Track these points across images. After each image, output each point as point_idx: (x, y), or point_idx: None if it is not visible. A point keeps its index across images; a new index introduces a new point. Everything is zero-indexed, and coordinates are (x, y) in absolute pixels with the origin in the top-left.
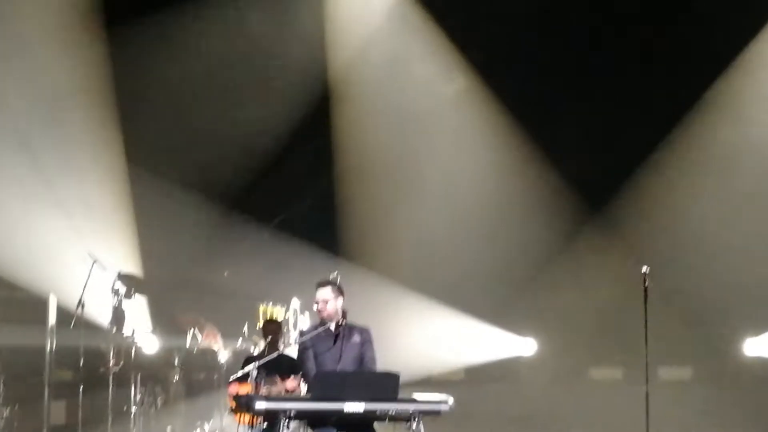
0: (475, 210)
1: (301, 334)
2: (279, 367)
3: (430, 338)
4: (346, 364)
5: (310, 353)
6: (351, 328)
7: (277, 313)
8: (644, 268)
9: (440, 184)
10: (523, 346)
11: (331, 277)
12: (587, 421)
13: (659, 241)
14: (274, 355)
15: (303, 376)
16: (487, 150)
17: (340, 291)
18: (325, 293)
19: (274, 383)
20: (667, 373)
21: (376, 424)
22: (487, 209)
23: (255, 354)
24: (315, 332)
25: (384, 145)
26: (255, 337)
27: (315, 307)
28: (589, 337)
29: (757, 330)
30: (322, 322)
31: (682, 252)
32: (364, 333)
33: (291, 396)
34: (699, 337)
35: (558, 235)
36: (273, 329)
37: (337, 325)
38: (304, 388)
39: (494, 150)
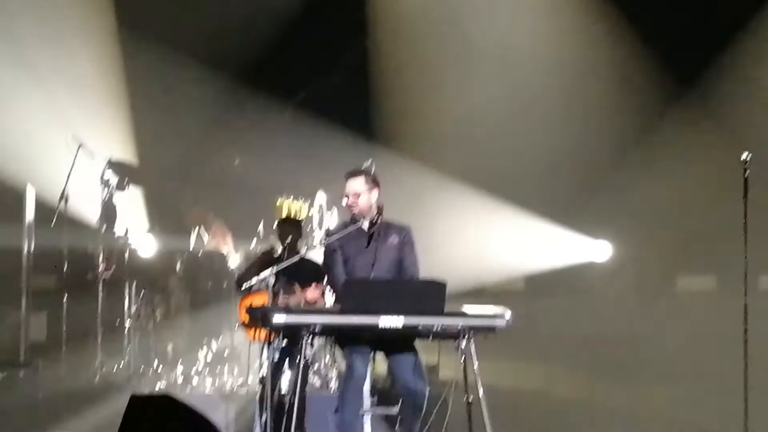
0: (539, 83)
1: (328, 233)
2: (299, 274)
3: (484, 240)
4: (382, 269)
5: (339, 256)
6: (388, 227)
7: (298, 209)
8: (744, 155)
9: (496, 52)
10: (597, 251)
11: (363, 165)
12: (673, 339)
13: (762, 123)
14: (295, 258)
15: (330, 283)
16: (553, 9)
17: (374, 182)
18: (357, 185)
19: (292, 293)
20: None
21: (417, 343)
22: (554, 82)
23: (272, 258)
24: (345, 231)
25: (428, 5)
26: (272, 238)
27: (344, 201)
28: (677, 240)
29: None
30: (353, 219)
31: None
32: (404, 233)
33: (316, 308)
34: None
35: (639, 116)
36: (291, 230)
37: (372, 224)
38: (329, 298)
39: (561, 9)
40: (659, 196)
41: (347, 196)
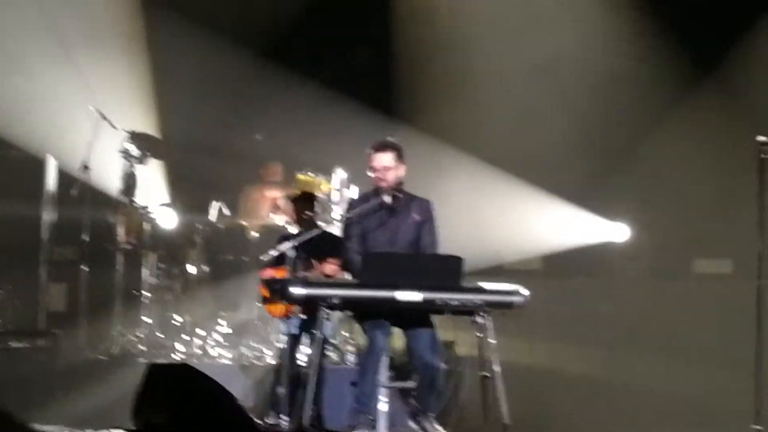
0: (560, 65)
1: (351, 204)
2: (318, 249)
3: (502, 219)
4: (401, 246)
5: (357, 230)
6: (410, 202)
7: (317, 184)
8: (760, 138)
9: (518, 31)
10: (615, 232)
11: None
12: (689, 320)
13: None
14: (316, 232)
15: (344, 256)
16: None
17: (402, 157)
18: (386, 159)
19: (311, 268)
20: None
21: (434, 319)
22: (574, 65)
23: (292, 233)
24: (368, 205)
25: None
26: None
27: (371, 174)
28: (694, 222)
29: None
30: (376, 192)
31: None
32: (425, 207)
33: (334, 281)
34: None
35: (657, 99)
36: (305, 205)
37: (395, 198)
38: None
39: None
40: (677, 180)
41: (375, 170)
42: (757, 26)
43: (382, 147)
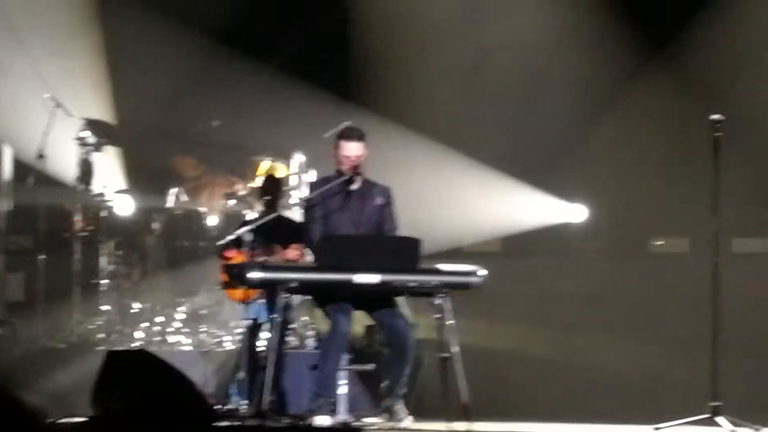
0: (514, 45)
1: (312, 188)
2: (278, 234)
3: (460, 201)
4: (367, 229)
5: (319, 212)
6: (371, 186)
7: (277, 169)
8: (715, 116)
9: (472, 13)
10: (572, 213)
11: (343, 125)
12: (646, 299)
13: (734, 87)
14: (273, 216)
15: (305, 239)
16: None
17: (366, 144)
18: (360, 148)
19: (273, 253)
20: (742, 245)
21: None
22: (529, 45)
23: (251, 218)
24: (330, 185)
25: None
26: (250, 198)
27: (343, 161)
28: (650, 202)
29: None
30: (340, 175)
31: (760, 100)
32: (386, 193)
33: (291, 264)
34: None
35: (613, 79)
36: (272, 188)
37: (364, 182)
38: (310, 258)
39: None
40: (632, 160)
41: (348, 158)
42: (710, 3)
43: (356, 136)
